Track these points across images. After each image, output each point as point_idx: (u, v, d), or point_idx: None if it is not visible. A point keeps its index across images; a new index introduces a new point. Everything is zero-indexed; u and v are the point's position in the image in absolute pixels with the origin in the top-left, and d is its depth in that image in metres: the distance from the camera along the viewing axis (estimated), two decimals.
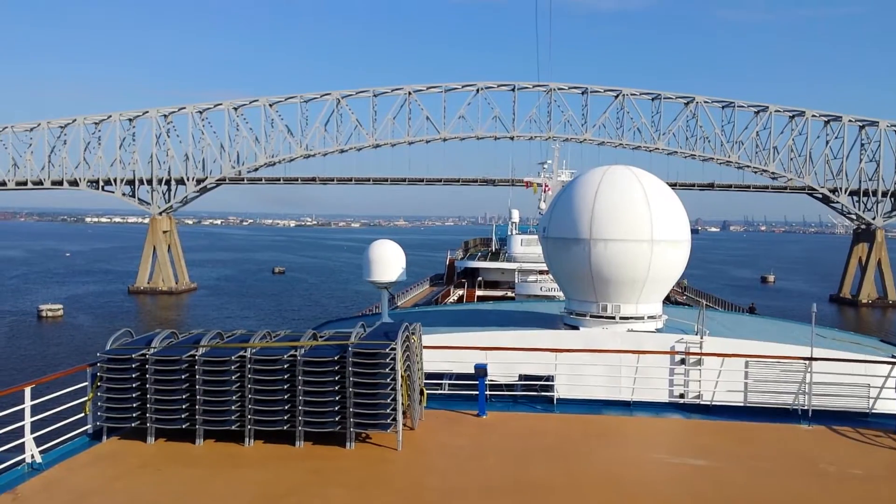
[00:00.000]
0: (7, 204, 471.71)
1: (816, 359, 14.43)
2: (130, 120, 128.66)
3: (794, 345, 16.84)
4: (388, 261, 17.35)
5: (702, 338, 17.03)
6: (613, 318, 18.53)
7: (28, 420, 10.85)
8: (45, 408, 11.43)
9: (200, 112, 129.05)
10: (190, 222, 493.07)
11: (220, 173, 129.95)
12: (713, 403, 14.88)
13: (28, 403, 10.95)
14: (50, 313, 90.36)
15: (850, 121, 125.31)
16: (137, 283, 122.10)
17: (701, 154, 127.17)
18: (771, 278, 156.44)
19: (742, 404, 15.00)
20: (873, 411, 14.22)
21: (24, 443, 10.77)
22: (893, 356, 17.58)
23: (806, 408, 14.01)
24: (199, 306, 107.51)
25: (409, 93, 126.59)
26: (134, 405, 11.73)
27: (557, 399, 14.75)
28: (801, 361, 14.57)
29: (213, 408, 11.61)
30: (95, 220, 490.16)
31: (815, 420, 13.71)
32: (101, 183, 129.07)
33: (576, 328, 19.04)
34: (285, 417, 11.54)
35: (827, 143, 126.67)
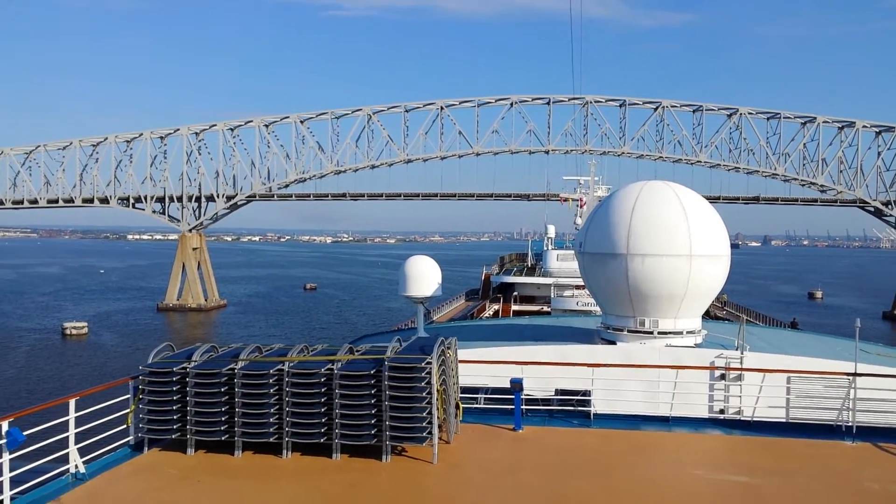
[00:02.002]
0: (53, 222, 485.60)
1: (860, 374, 14.48)
2: (161, 138, 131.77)
3: (837, 360, 16.85)
4: (424, 276, 17.89)
5: (742, 353, 17.14)
6: (651, 333, 18.73)
7: (72, 431, 11.44)
8: (89, 419, 12.03)
9: (231, 129, 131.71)
10: (229, 239, 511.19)
11: (250, 190, 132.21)
12: (754, 419, 15.00)
13: (73, 415, 11.55)
14: (74, 331, 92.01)
15: None
16: (166, 300, 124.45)
17: (745, 167, 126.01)
18: (819, 294, 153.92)
19: (784, 420, 15.07)
20: None
21: (68, 453, 11.34)
22: None
23: (850, 424, 14.08)
24: (226, 324, 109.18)
25: (442, 107, 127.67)
26: (174, 417, 12.27)
27: (594, 414, 14.99)
28: (845, 377, 14.63)
29: (251, 420, 12.09)
30: (137, 237, 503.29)
31: (858, 437, 13.77)
32: (131, 200, 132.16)
33: (613, 343, 19.27)
34: (322, 430, 11.97)
35: (879, 154, 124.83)
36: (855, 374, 14.45)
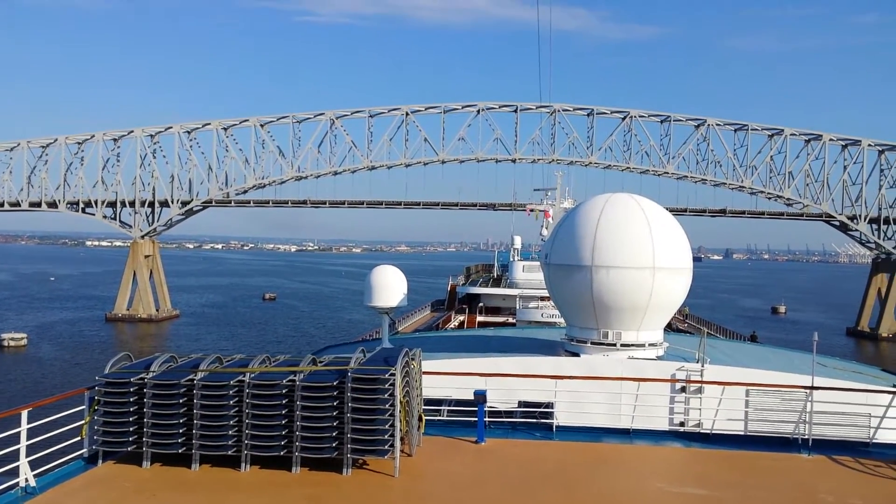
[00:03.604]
0: (9, 227, 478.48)
1: (817, 388, 15.09)
2: (115, 140, 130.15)
3: (795, 373, 17.49)
4: (390, 286, 18.17)
5: (703, 366, 17.70)
6: (614, 345, 19.23)
7: (23, 443, 11.36)
8: (41, 431, 12.01)
9: (188, 132, 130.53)
10: (191, 246, 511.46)
11: (206, 195, 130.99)
12: (713, 432, 15.52)
13: (24, 426, 11.48)
14: (12, 343, 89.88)
15: (869, 145, 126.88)
16: (115, 309, 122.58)
17: (712, 179, 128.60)
18: (782, 309, 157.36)
19: (742, 433, 15.64)
20: (874, 441, 14.86)
21: (18, 466, 11.27)
22: (894, 385, 18.22)
23: (806, 437, 14.68)
24: (176, 336, 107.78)
25: (407, 113, 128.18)
26: (130, 429, 12.27)
27: (557, 426, 15.36)
28: (802, 390, 15.23)
29: (210, 432, 12.16)
30: (95, 243, 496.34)
31: (815, 449, 14.36)
32: (81, 205, 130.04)
33: (576, 355, 19.72)
34: (282, 443, 12.08)
35: (845, 168, 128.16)
36: (812, 388, 15.05)
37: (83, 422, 12.52)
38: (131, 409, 12.30)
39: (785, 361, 22.02)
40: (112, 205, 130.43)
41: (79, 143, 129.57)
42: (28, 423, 11.56)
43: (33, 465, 11.46)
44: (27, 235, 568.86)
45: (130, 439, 12.29)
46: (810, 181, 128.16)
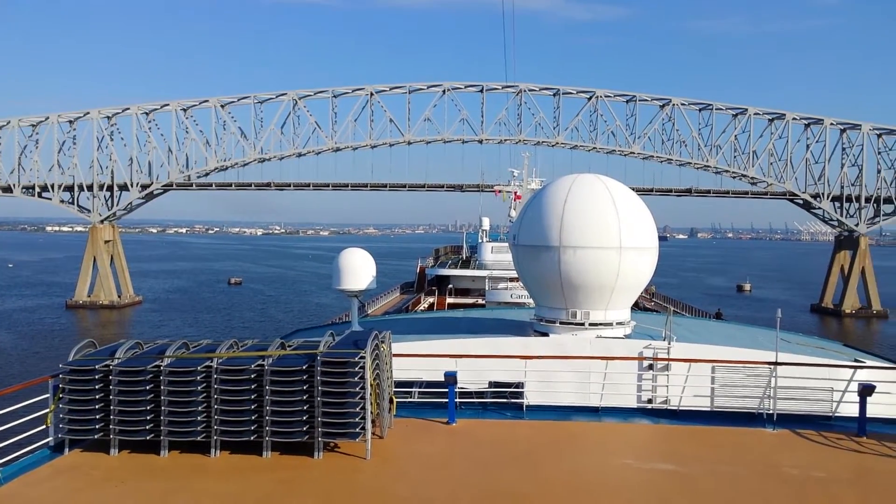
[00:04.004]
0: None
1: (781, 363, 15.51)
2: (70, 122, 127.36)
3: (759, 350, 17.93)
4: (358, 269, 18.21)
5: (669, 343, 18.08)
6: (583, 324, 19.53)
7: None
8: (5, 421, 11.92)
9: (146, 113, 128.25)
10: (154, 231, 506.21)
11: (167, 178, 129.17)
12: (680, 408, 15.92)
13: None
14: None
15: (831, 124, 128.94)
16: (76, 296, 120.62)
17: (678, 158, 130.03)
18: (747, 287, 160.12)
19: (709, 409, 16.04)
20: (836, 415, 15.35)
21: None
22: (856, 360, 18.78)
23: (771, 412, 15.10)
24: (139, 322, 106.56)
25: (371, 93, 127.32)
26: (97, 417, 12.26)
27: (527, 406, 15.62)
28: (766, 366, 15.65)
29: (178, 419, 12.19)
30: (56, 228, 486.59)
31: (779, 424, 14.79)
32: (37, 189, 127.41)
33: (545, 335, 19.99)
34: (252, 428, 12.15)
35: (808, 147, 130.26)
36: (776, 364, 15.46)
37: (48, 410, 12.47)
38: (97, 397, 12.28)
39: (749, 338, 22.53)
40: (69, 189, 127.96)
41: (33, 126, 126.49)
42: None
43: None
44: None
45: (97, 427, 12.28)
46: (774, 160, 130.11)
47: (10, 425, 11.95)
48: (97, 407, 12.27)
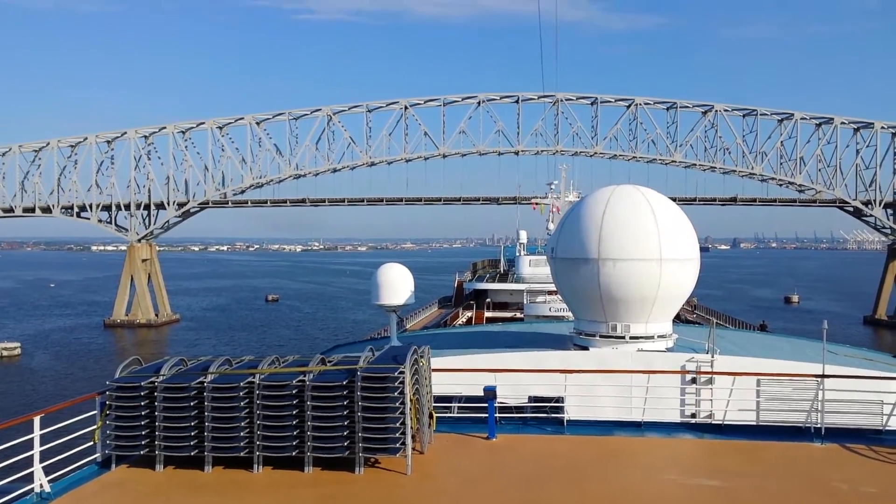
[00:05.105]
0: (15, 234, 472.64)
1: (828, 376, 15.41)
2: (108, 142, 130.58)
3: (805, 362, 17.81)
4: (397, 284, 18.60)
5: (713, 356, 18.05)
6: (623, 337, 19.58)
7: (37, 449, 11.75)
8: (55, 437, 12.38)
9: (183, 132, 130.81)
10: (196, 249, 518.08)
11: (203, 196, 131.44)
12: (725, 423, 15.84)
13: (37, 433, 11.85)
14: (5, 353, 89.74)
15: (882, 128, 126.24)
16: (114, 315, 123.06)
17: (721, 166, 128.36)
18: (795, 298, 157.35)
19: (754, 423, 15.97)
20: (887, 428, 15.17)
21: (32, 472, 11.63)
22: None
23: (819, 426, 15.00)
24: (175, 341, 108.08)
25: (406, 107, 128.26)
26: (143, 433, 12.66)
27: (568, 420, 15.71)
28: (813, 379, 15.56)
29: (221, 434, 12.53)
30: (101, 248, 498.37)
31: (827, 438, 14.68)
32: (75, 209, 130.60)
33: (585, 348, 20.08)
34: (294, 443, 12.44)
35: (858, 152, 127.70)
36: (823, 376, 15.37)
37: (95, 426, 12.90)
38: (143, 413, 12.66)
39: (795, 350, 22.37)
40: (107, 208, 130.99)
41: (72, 147, 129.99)
42: (41, 428, 11.89)
43: (47, 470, 11.79)
44: (32, 242, 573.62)
45: (143, 443, 12.63)
46: (822, 166, 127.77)
47: (58, 441, 12.36)
48: (143, 423, 12.65)
